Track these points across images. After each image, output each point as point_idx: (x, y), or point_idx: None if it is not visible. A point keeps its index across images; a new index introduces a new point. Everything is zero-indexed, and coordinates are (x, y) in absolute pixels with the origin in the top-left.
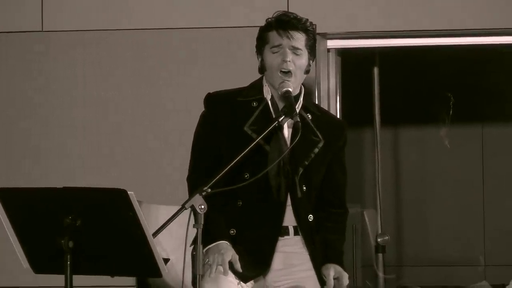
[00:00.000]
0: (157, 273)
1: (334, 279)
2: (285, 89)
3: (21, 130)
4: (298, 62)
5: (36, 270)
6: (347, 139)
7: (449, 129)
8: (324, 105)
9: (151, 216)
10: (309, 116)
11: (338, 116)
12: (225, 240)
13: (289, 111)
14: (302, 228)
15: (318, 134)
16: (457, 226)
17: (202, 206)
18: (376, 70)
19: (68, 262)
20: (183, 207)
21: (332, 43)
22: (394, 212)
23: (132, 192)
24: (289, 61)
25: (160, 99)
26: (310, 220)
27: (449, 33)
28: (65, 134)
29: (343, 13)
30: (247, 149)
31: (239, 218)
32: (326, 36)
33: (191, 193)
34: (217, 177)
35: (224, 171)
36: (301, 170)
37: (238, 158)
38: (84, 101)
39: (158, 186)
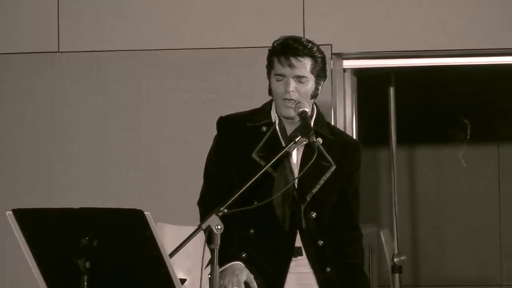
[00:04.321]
0: None
1: None
2: (301, 109)
3: (36, 149)
4: (303, 89)
5: None
6: (361, 161)
7: (465, 150)
8: (340, 125)
9: (166, 236)
10: (320, 140)
11: (354, 136)
12: (239, 261)
13: (305, 131)
14: (309, 255)
15: (329, 158)
16: (474, 246)
17: (219, 227)
18: (392, 90)
19: (85, 283)
20: (199, 228)
21: (348, 63)
22: (411, 232)
23: (149, 213)
24: (292, 91)
25: (176, 119)
26: (319, 245)
27: (464, 53)
28: (82, 153)
29: (359, 34)
30: (264, 168)
31: (251, 244)
32: (342, 56)
33: (204, 215)
34: (234, 197)
35: (241, 191)
36: (308, 199)
37: (256, 177)
38: (101, 121)
39: (174, 206)
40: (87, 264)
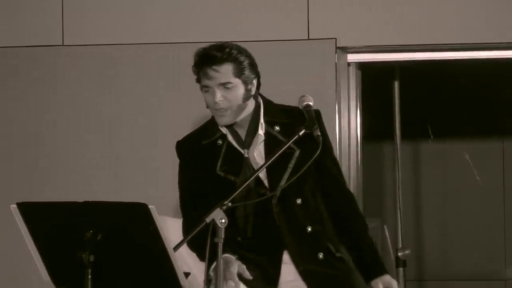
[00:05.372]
0: (178, 287)
1: None
2: (305, 103)
3: (40, 143)
4: (231, 95)
5: (57, 283)
6: (324, 125)
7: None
8: (344, 119)
9: (170, 230)
10: (277, 128)
11: (358, 131)
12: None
13: (309, 125)
14: (297, 243)
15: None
16: (478, 240)
17: (223, 220)
18: (396, 84)
19: (89, 276)
20: (204, 222)
21: (352, 57)
22: (415, 226)
23: (153, 206)
24: (220, 101)
25: (177, 116)
26: (308, 231)
27: (469, 47)
28: (86, 147)
29: (363, 27)
30: (265, 165)
31: (241, 248)
32: (346, 50)
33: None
34: (237, 192)
35: (243, 186)
36: (279, 192)
37: (258, 172)
38: (106, 115)
39: (176, 200)
40: (91, 258)
